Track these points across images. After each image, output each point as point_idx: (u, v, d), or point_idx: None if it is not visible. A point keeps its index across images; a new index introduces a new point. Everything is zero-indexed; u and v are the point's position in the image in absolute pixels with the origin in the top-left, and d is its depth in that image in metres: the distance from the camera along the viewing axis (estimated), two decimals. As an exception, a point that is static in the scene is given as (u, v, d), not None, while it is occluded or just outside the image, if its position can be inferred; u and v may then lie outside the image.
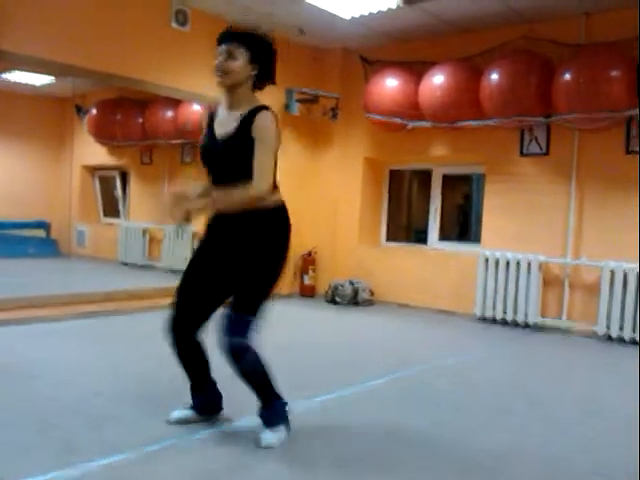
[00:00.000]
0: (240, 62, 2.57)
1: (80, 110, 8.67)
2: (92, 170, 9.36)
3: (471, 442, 2.82)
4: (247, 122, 2.56)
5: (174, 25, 5.66)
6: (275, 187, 2.64)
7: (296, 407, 2.92)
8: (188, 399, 2.87)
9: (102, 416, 2.87)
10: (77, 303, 5.19)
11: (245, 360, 2.57)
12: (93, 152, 8.89)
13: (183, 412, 2.86)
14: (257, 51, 2.61)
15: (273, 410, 2.69)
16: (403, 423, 3.03)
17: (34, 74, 6.28)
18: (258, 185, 2.50)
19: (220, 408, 2.91)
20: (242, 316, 2.56)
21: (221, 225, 2.68)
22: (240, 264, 2.60)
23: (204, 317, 2.72)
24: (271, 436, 2.63)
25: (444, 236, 6.88)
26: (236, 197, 2.51)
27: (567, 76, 5.15)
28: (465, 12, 5.65)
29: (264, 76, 2.67)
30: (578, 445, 2.82)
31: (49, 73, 5.64)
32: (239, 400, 2.88)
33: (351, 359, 4.35)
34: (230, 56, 2.57)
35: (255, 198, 2.51)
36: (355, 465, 2.50)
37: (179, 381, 2.91)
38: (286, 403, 2.73)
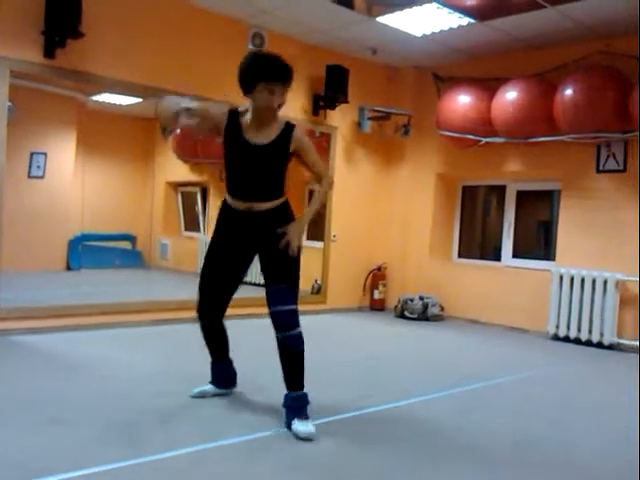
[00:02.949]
0: (281, 97, 3.00)
1: (165, 129, 9.12)
2: (175, 186, 9.80)
3: (523, 456, 2.81)
4: (285, 135, 3.01)
5: (251, 47, 5.92)
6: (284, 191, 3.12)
7: (358, 414, 3.00)
8: (253, 400, 3.19)
9: (168, 414, 3.05)
10: (154, 311, 5.47)
11: (297, 331, 2.91)
12: (176, 169, 9.33)
13: (203, 387, 3.35)
14: (290, 83, 3.03)
15: (302, 400, 2.93)
16: (456, 437, 3.06)
17: (121, 95, 6.68)
18: (328, 178, 3.17)
19: (235, 383, 3.40)
20: (289, 287, 2.95)
21: (241, 219, 3.06)
22: (275, 247, 2.97)
23: (227, 300, 3.22)
24: (304, 426, 2.81)
25: (519, 253, 6.78)
26: (321, 202, 3.12)
27: (644, 90, 5.03)
28: (537, 29, 5.61)
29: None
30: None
31: (134, 95, 5.99)
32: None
33: (414, 372, 4.38)
34: (271, 93, 2.95)
35: (329, 190, 3.20)
36: (404, 473, 2.56)
37: (246, 385, 3.07)
38: (307, 395, 2.96)
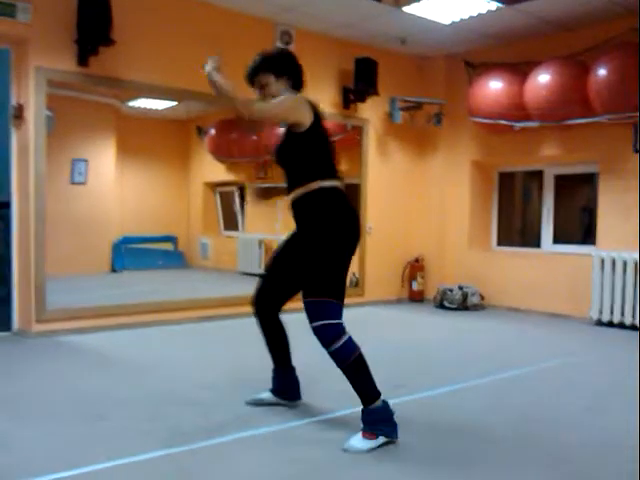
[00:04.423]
0: (270, 84, 2.90)
1: (200, 131, 9.29)
2: (213, 186, 9.96)
3: (559, 439, 2.80)
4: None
5: (279, 45, 5.98)
6: (324, 175, 2.78)
7: (395, 403, 3.01)
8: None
9: (209, 407, 3.13)
10: (196, 308, 5.60)
11: (336, 344, 2.62)
12: (214, 170, 9.48)
13: (261, 394, 3.15)
14: (278, 67, 2.90)
15: (371, 415, 2.66)
16: (493, 421, 3.06)
17: (157, 100, 6.86)
18: (256, 106, 2.79)
19: (297, 396, 3.14)
20: (315, 301, 2.67)
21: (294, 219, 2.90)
22: (299, 250, 2.81)
23: (282, 298, 3.02)
24: (356, 442, 2.61)
25: (560, 239, 6.67)
26: (238, 101, 2.78)
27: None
28: (566, 10, 5.51)
29: (298, 79, 2.97)
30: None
31: (167, 98, 6.13)
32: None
33: (453, 360, 4.38)
34: (261, 87, 2.92)
35: (246, 110, 2.76)
36: (444, 461, 2.56)
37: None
38: (387, 407, 2.69)
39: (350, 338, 2.67)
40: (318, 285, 2.68)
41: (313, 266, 2.70)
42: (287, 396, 3.12)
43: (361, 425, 2.67)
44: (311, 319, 2.67)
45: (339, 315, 2.69)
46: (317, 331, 2.66)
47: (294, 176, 2.83)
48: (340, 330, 2.66)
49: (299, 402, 3.14)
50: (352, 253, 2.79)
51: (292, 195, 2.82)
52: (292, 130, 2.80)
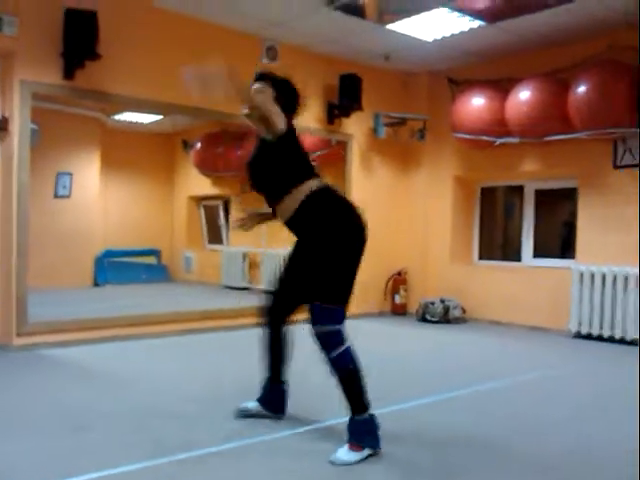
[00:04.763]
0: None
1: (186, 145, 9.30)
2: (198, 200, 9.96)
3: (546, 447, 2.83)
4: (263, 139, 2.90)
5: (265, 61, 6.04)
6: (309, 175, 2.86)
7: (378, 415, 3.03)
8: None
9: (192, 419, 3.13)
10: (179, 321, 5.59)
11: (335, 350, 2.67)
12: (199, 184, 9.48)
13: (248, 403, 3.14)
14: (277, 86, 2.94)
15: (358, 425, 2.69)
16: (475, 432, 3.09)
17: (142, 113, 6.87)
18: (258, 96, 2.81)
19: (282, 410, 3.13)
20: (320, 305, 2.70)
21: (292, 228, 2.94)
22: (304, 257, 2.88)
23: (291, 309, 3.04)
24: (343, 454, 2.61)
25: (542, 253, 6.75)
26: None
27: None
28: (547, 28, 5.63)
29: (288, 104, 2.96)
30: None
31: (153, 112, 6.15)
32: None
33: (435, 372, 4.42)
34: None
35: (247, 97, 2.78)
36: (428, 472, 2.58)
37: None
38: (374, 420, 2.71)
39: (350, 347, 2.72)
40: (324, 290, 2.72)
41: (319, 270, 2.73)
42: (272, 407, 3.12)
43: (346, 437, 2.68)
44: (314, 322, 2.71)
45: (341, 321, 2.72)
46: (318, 336, 2.70)
47: (277, 185, 2.86)
48: (341, 338, 2.70)
49: (283, 416, 3.13)
50: (360, 253, 2.78)
51: (284, 209, 2.85)
52: (266, 138, 2.85)
